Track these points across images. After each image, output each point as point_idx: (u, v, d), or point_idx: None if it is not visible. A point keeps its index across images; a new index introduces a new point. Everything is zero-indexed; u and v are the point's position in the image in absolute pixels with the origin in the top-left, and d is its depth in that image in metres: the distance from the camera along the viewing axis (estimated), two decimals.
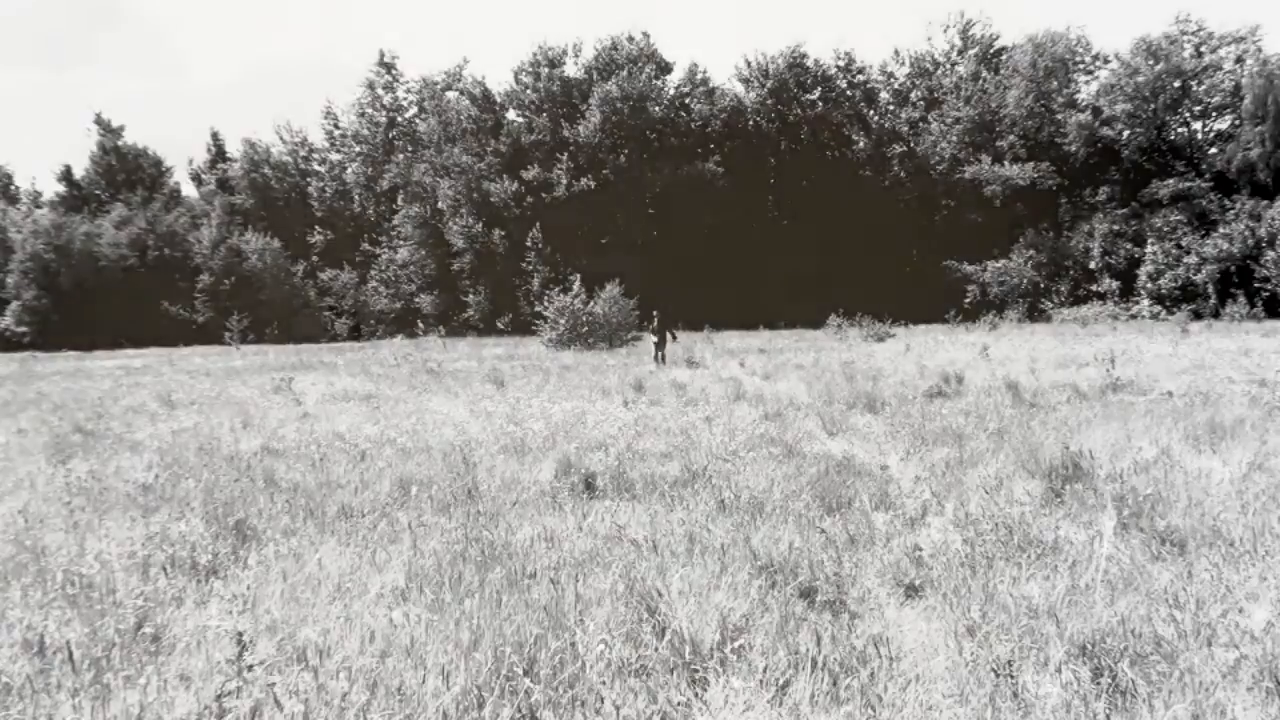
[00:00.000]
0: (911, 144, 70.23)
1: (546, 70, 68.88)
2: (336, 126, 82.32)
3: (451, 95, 73.77)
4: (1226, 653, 3.82)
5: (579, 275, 38.97)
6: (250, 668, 3.52)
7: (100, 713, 3.52)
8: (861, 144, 70.36)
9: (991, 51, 70.20)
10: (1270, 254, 50.41)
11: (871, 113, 72.25)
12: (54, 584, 5.08)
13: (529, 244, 63.47)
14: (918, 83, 73.47)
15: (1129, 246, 56.44)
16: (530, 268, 63.52)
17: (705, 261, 62.43)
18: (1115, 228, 57.48)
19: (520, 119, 70.34)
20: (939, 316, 51.90)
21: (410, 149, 75.90)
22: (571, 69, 70.23)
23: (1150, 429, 9.30)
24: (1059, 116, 62.72)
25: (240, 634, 3.59)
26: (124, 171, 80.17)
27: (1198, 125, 62.03)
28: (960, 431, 10.02)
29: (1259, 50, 58.42)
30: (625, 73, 66.02)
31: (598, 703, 3.65)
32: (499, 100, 70.84)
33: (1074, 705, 3.55)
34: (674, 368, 22.24)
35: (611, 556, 5.40)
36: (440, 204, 68.00)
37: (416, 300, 69.23)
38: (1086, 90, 64.86)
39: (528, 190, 64.97)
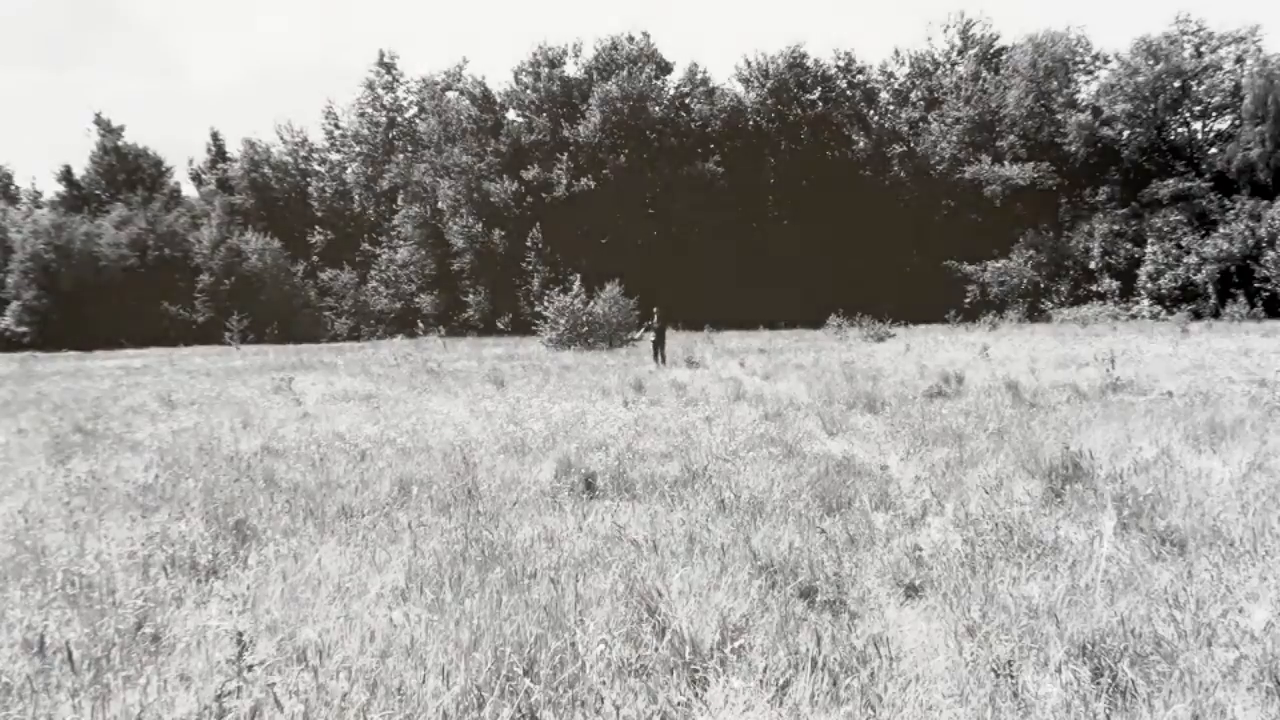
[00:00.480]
0: (911, 144, 70.25)
1: (546, 70, 68.91)
2: (337, 126, 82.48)
3: (451, 95, 73.80)
4: (1226, 653, 3.82)
5: (579, 275, 38.97)
6: (250, 668, 3.52)
7: (100, 713, 3.51)
8: (861, 144, 70.35)
9: (991, 51, 70.21)
10: (1270, 254, 50.39)
11: (871, 113, 72.26)
12: (54, 584, 5.08)
13: (529, 244, 63.49)
14: (918, 83, 73.50)
15: (1129, 246, 56.44)
16: (530, 268, 63.54)
17: (705, 261, 62.43)
18: (1115, 228, 57.47)
19: (520, 119, 70.36)
20: (939, 316, 51.94)
21: (410, 149, 75.97)
22: (571, 69, 70.36)
23: (1150, 429, 9.30)
24: (1059, 116, 62.69)
25: (240, 634, 3.59)
26: (124, 171, 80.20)
27: (1198, 125, 62.04)
28: (960, 431, 10.02)
29: (1259, 50, 58.45)
30: (625, 73, 66.03)
31: (598, 703, 3.65)
32: (499, 100, 70.87)
33: (1074, 705, 3.55)
34: (674, 368, 22.24)
35: (611, 556, 5.39)
36: (440, 204, 68.03)
37: (416, 300, 69.28)
38: (1086, 90, 64.90)
39: (528, 190, 64.99)
